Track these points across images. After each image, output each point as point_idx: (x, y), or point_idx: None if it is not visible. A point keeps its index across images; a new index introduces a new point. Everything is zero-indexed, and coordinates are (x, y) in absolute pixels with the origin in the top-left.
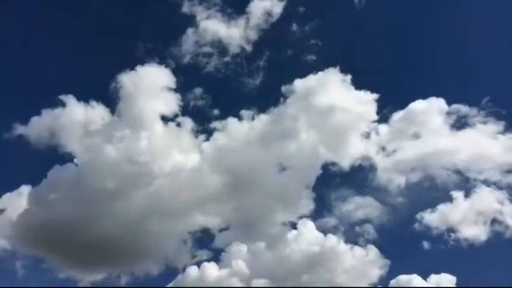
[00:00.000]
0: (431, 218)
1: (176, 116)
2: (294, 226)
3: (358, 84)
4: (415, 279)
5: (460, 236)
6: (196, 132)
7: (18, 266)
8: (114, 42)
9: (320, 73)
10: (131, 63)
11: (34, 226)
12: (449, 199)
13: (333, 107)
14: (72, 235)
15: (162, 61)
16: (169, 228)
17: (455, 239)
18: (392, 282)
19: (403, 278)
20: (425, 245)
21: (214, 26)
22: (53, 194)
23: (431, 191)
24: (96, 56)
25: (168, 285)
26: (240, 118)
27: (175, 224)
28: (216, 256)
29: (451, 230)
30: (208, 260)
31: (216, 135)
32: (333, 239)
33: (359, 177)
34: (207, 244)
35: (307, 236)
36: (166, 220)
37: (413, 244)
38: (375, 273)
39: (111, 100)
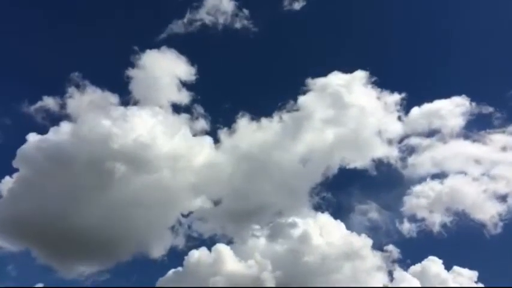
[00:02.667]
0: (449, 216)
1: (188, 105)
2: (306, 221)
3: (380, 82)
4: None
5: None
6: (210, 123)
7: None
8: (128, 24)
9: (342, 70)
10: (144, 46)
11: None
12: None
13: (354, 106)
14: (68, 224)
15: (176, 47)
16: (171, 214)
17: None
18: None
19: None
20: (446, 242)
21: (230, 13)
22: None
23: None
24: (108, 38)
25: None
26: (255, 112)
27: (179, 209)
28: (228, 242)
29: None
30: (226, 243)
31: (229, 128)
32: (348, 235)
33: (376, 178)
34: (218, 231)
35: (319, 230)
36: (168, 206)
37: (433, 243)
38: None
39: (121, 84)
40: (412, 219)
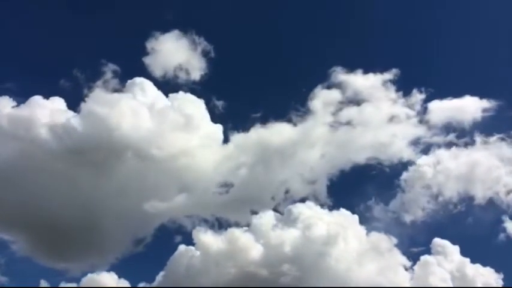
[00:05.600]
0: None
1: (202, 93)
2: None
3: (403, 82)
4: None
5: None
6: (224, 111)
7: None
8: (143, 8)
9: (364, 69)
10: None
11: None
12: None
13: (374, 105)
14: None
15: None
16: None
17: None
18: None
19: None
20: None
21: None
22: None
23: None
24: (123, 21)
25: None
26: (271, 107)
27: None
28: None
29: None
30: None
31: (242, 122)
32: (366, 233)
33: (393, 178)
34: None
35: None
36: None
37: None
38: None
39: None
40: (433, 216)
